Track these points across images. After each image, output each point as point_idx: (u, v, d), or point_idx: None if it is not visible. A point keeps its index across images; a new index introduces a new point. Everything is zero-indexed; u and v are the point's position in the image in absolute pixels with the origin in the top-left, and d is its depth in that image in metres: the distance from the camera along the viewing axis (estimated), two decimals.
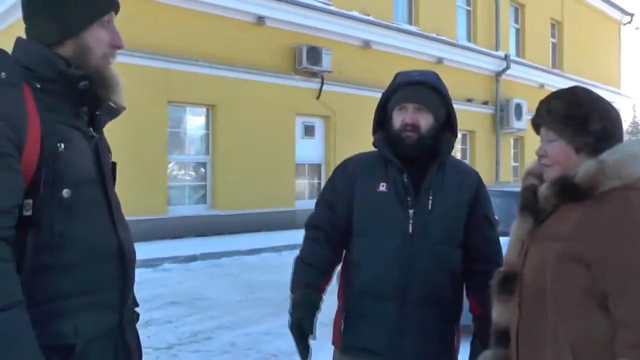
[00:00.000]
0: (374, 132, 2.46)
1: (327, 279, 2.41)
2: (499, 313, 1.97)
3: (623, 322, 1.66)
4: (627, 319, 1.66)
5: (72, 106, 1.67)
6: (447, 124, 2.42)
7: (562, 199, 1.84)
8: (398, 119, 2.33)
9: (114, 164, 1.89)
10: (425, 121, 2.31)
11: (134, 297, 1.92)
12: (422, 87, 2.32)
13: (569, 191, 1.81)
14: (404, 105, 2.31)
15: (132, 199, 11.18)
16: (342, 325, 2.37)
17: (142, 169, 11.45)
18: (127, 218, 1.84)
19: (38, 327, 1.47)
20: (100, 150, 1.76)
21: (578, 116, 1.83)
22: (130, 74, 11.13)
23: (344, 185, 2.42)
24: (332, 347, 2.47)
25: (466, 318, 2.43)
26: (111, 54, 1.76)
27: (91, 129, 1.74)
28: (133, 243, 1.83)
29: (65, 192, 1.57)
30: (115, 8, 1.76)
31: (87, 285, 1.63)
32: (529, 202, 1.95)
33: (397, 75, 2.43)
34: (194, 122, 13.27)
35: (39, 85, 1.59)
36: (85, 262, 1.62)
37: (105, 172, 1.75)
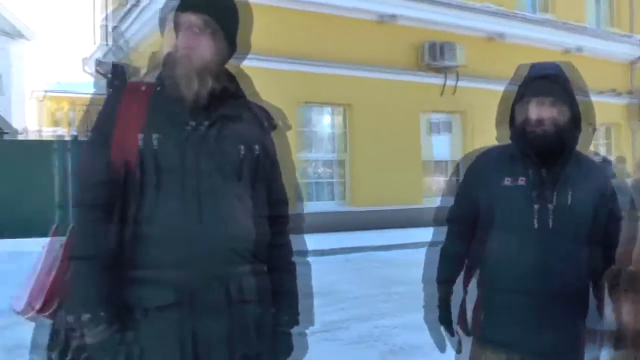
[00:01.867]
0: (498, 124, 2.47)
1: (459, 272, 2.54)
2: (628, 312, 1.84)
3: None
4: None
5: (181, 104, 1.85)
6: (572, 119, 2.35)
7: None
8: (534, 112, 2.28)
9: (245, 155, 1.92)
10: (562, 115, 2.27)
11: (241, 285, 1.92)
12: (556, 82, 2.29)
13: None
14: (540, 99, 2.27)
15: None
16: (482, 317, 2.38)
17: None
18: None
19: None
20: (206, 143, 1.85)
21: None
22: (263, 78, 11.64)
23: (475, 180, 2.45)
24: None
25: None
26: (183, 55, 1.84)
27: (206, 122, 1.86)
28: (225, 230, 1.83)
29: (153, 177, 1.78)
30: (185, 8, 1.85)
31: (160, 261, 1.77)
32: None
33: (529, 68, 2.38)
34: (327, 121, 13.63)
35: (158, 88, 1.88)
36: (161, 240, 1.76)
37: (200, 162, 1.82)
